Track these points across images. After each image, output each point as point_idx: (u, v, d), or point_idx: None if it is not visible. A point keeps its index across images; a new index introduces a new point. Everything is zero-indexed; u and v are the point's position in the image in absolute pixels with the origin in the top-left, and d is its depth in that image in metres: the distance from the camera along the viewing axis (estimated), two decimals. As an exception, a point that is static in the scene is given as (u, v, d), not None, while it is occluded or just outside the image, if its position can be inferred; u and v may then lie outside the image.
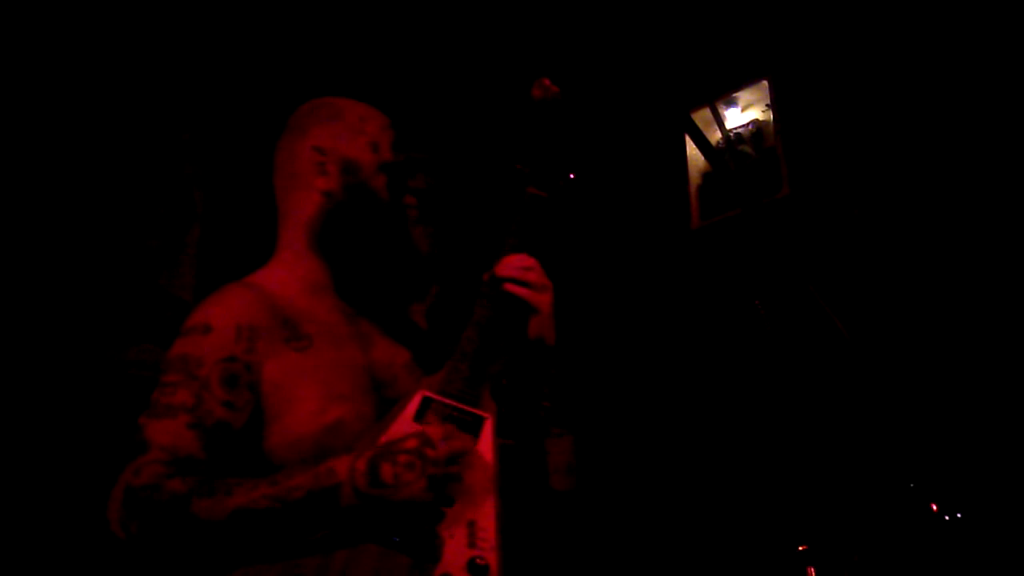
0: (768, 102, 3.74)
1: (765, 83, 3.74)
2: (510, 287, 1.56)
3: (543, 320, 1.58)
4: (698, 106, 3.78)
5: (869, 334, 3.89)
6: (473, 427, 1.44)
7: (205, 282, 3.51)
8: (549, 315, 1.59)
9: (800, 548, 2.37)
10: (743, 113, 3.84)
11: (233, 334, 1.46)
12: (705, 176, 3.78)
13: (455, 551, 1.31)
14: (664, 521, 4.17)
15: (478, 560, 1.30)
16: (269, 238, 1.74)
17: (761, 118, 3.80)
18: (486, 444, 1.43)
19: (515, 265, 1.58)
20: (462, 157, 3.46)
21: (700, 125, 3.50)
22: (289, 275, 1.64)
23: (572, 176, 1.74)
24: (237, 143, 3.60)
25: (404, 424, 1.41)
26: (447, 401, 1.45)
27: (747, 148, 3.78)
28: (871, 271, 4.07)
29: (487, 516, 1.36)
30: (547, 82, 1.78)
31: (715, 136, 3.78)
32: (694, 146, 3.96)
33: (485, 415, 1.46)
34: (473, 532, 1.33)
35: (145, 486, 1.29)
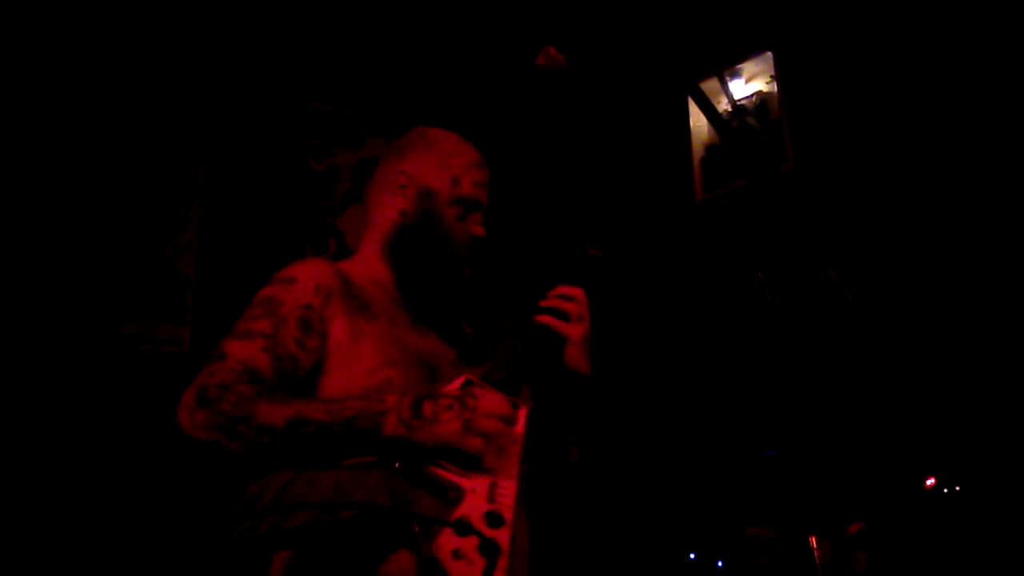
0: (772, 74, 3.72)
1: (769, 55, 3.72)
2: (543, 317, 1.70)
3: (576, 349, 1.71)
4: (703, 77, 3.76)
5: (873, 305, 3.89)
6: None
7: (208, 256, 3.53)
8: (582, 346, 1.72)
9: (801, 518, 2.40)
10: (747, 85, 3.82)
11: (313, 288, 1.63)
12: (708, 148, 3.77)
13: (475, 503, 1.40)
14: (669, 491, 4.20)
15: (495, 512, 1.40)
16: (271, 218, 1.89)
17: (765, 90, 3.77)
18: (519, 422, 1.53)
19: (559, 293, 1.74)
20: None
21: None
22: (365, 269, 1.82)
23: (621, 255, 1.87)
24: (240, 125, 3.64)
25: (450, 387, 1.52)
26: (485, 384, 1.57)
27: (751, 120, 3.76)
28: (875, 245, 4.07)
29: (509, 479, 1.46)
30: (552, 51, 1.83)
31: (719, 108, 3.76)
32: (698, 118, 3.96)
33: (522, 404, 1.56)
34: (494, 491, 1.43)
35: (217, 385, 1.42)
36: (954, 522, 5.08)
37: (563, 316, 1.70)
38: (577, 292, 1.74)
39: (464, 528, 1.36)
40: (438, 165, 1.86)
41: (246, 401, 1.39)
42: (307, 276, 1.65)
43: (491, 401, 1.46)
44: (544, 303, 1.72)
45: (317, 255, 3.76)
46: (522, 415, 1.54)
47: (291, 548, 1.39)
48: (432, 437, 1.40)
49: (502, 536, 1.37)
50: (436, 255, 1.82)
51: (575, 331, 1.70)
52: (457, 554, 1.33)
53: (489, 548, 1.35)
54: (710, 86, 3.75)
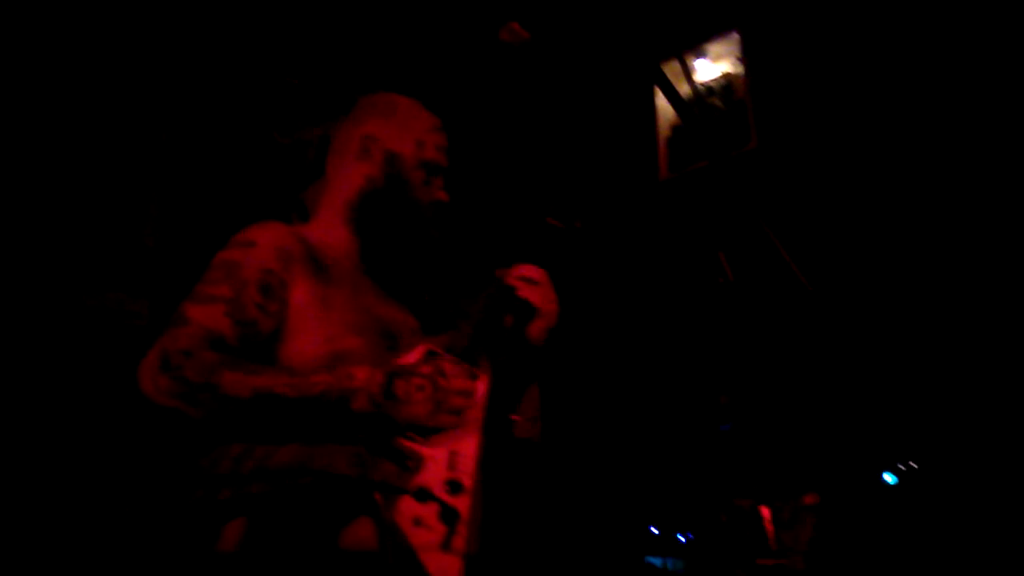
0: (739, 55, 3.74)
1: (736, 35, 3.73)
2: (510, 279, 1.69)
3: (541, 324, 1.70)
4: (668, 57, 3.77)
5: (833, 284, 3.96)
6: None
7: (170, 231, 3.49)
8: (548, 322, 1.71)
9: (756, 490, 2.46)
10: (714, 65, 3.84)
11: (273, 253, 1.61)
12: (674, 128, 3.79)
13: (435, 471, 1.42)
14: (626, 466, 4.26)
15: (455, 480, 1.42)
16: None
17: (731, 71, 3.80)
18: (479, 394, 1.55)
19: (522, 274, 1.72)
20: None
21: (670, 76, 3.50)
22: (325, 235, 1.79)
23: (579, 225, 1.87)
24: (205, 97, 3.59)
25: (413, 358, 1.51)
26: (449, 356, 1.56)
27: (716, 101, 3.78)
28: (835, 224, 4.13)
29: (468, 449, 1.47)
30: (516, 26, 1.82)
31: (685, 88, 3.78)
32: (664, 98, 3.98)
33: (481, 374, 1.57)
34: (454, 459, 1.45)
35: (180, 350, 1.41)
36: (906, 497, 5.23)
37: (531, 283, 1.69)
38: (539, 274, 1.73)
39: (424, 495, 1.38)
40: (402, 129, 1.85)
41: (209, 369, 1.38)
42: (267, 240, 1.63)
43: (461, 380, 1.47)
44: (517, 272, 1.71)
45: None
46: (482, 385, 1.55)
47: (248, 516, 1.40)
48: (403, 416, 1.41)
49: (462, 503, 1.40)
50: (401, 220, 1.81)
51: (545, 305, 1.70)
52: (418, 521, 1.36)
53: (449, 515, 1.38)
54: (676, 67, 3.76)
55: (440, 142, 1.87)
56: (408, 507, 1.37)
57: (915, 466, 5.38)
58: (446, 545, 1.36)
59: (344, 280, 1.70)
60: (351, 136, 1.86)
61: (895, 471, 5.34)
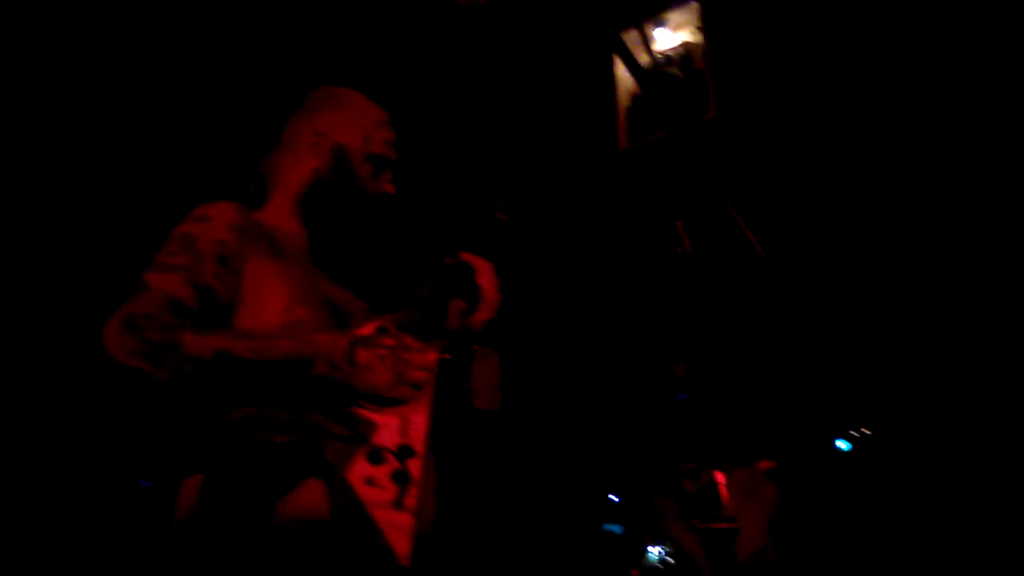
0: (698, 24, 3.72)
1: (695, 4, 3.72)
2: (464, 255, 1.76)
3: (485, 313, 1.77)
4: (628, 26, 3.74)
5: (788, 253, 4.01)
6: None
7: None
8: (490, 314, 1.77)
9: (713, 456, 2.50)
10: (674, 34, 3.82)
11: (227, 226, 1.66)
12: (634, 97, 3.77)
13: (387, 436, 1.46)
14: (585, 436, 4.30)
15: (407, 445, 1.46)
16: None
17: (691, 40, 3.78)
18: (433, 363, 1.60)
19: (473, 264, 1.77)
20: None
21: (630, 45, 3.48)
22: (277, 222, 1.83)
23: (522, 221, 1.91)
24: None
25: (369, 331, 1.54)
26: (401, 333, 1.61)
27: (675, 70, 3.77)
28: (794, 195, 4.18)
29: (420, 417, 1.52)
30: None
31: (644, 57, 3.76)
32: (623, 67, 3.97)
33: (435, 346, 1.63)
34: (406, 427, 1.49)
35: (143, 313, 1.45)
36: (862, 465, 5.36)
37: (477, 273, 1.76)
38: (485, 266, 1.79)
39: (377, 457, 1.42)
40: (349, 123, 1.90)
41: (172, 330, 1.43)
42: (221, 215, 1.67)
43: (422, 354, 1.52)
44: (457, 266, 1.77)
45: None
46: (435, 356, 1.59)
47: (205, 473, 1.42)
48: (363, 384, 1.45)
49: (414, 466, 1.44)
50: (349, 212, 1.86)
51: (489, 296, 1.75)
52: (370, 481, 1.39)
53: (401, 477, 1.42)
54: (635, 36, 3.74)
55: (388, 136, 1.93)
56: (360, 468, 1.40)
57: (868, 433, 5.52)
58: (398, 503, 1.40)
59: (295, 260, 1.75)
60: (301, 129, 1.91)
61: (849, 438, 5.47)
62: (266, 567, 1.36)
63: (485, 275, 1.77)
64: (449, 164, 3.66)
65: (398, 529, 1.37)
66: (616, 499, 6.98)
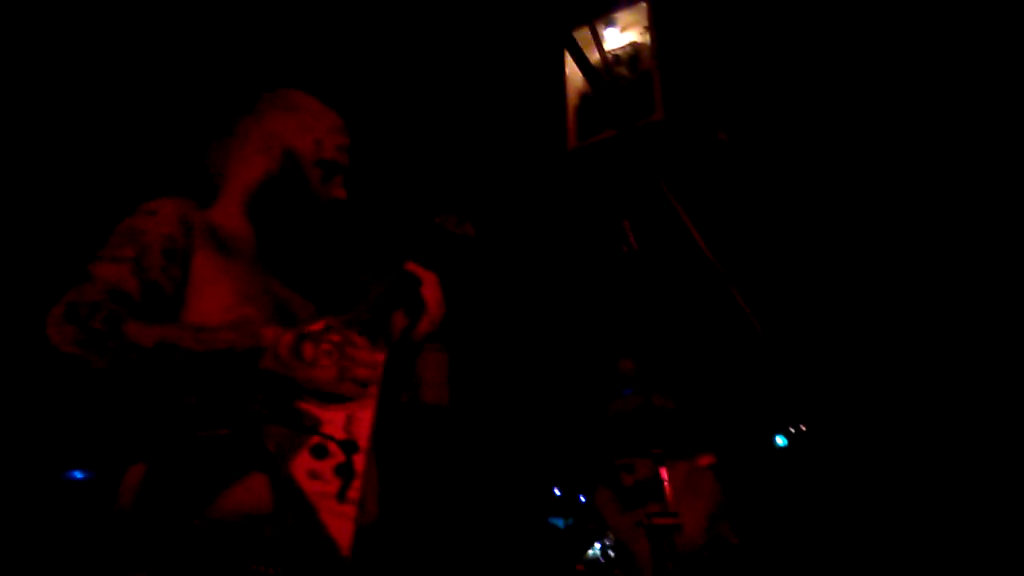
0: (647, 24, 3.77)
1: (644, 5, 3.76)
2: (408, 265, 1.79)
3: (427, 324, 1.80)
4: (580, 24, 3.77)
5: (735, 255, 4.10)
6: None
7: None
8: (432, 326, 1.80)
9: (655, 451, 2.55)
10: (622, 34, 3.86)
11: (176, 220, 1.66)
12: (583, 96, 3.80)
13: (331, 432, 1.47)
14: (530, 431, 4.34)
15: (351, 440, 1.47)
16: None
17: (639, 40, 3.82)
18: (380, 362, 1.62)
19: (420, 275, 1.80)
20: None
21: (581, 44, 3.50)
22: (226, 221, 1.82)
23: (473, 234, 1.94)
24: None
25: (318, 327, 1.56)
26: (355, 330, 1.62)
27: (624, 70, 3.81)
28: (740, 194, 4.26)
29: (365, 413, 1.52)
30: None
31: (594, 57, 3.79)
32: (573, 66, 3.99)
33: (382, 345, 1.65)
34: (350, 422, 1.50)
35: (86, 302, 1.44)
36: (799, 458, 5.50)
37: (422, 285, 1.79)
38: (431, 278, 1.81)
39: (321, 451, 1.42)
40: (301, 128, 1.90)
41: (115, 319, 1.42)
42: (168, 210, 1.67)
43: (367, 352, 1.53)
44: (403, 276, 1.80)
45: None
46: (382, 356, 1.60)
47: (146, 462, 1.42)
48: (307, 379, 1.45)
49: (358, 460, 1.45)
50: (298, 215, 1.87)
51: (432, 307, 1.78)
52: (313, 474, 1.40)
53: (345, 470, 1.43)
54: (585, 35, 3.77)
55: (340, 142, 1.93)
56: (304, 461, 1.40)
57: (804, 429, 5.67)
58: (341, 496, 1.41)
59: (244, 258, 1.75)
60: (253, 130, 1.91)
61: (786, 434, 5.62)
62: (204, 558, 1.35)
63: (429, 287, 1.79)
64: (399, 163, 3.65)
65: (341, 521, 1.37)
66: (559, 493, 7.05)
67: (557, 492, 7.13)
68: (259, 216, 1.86)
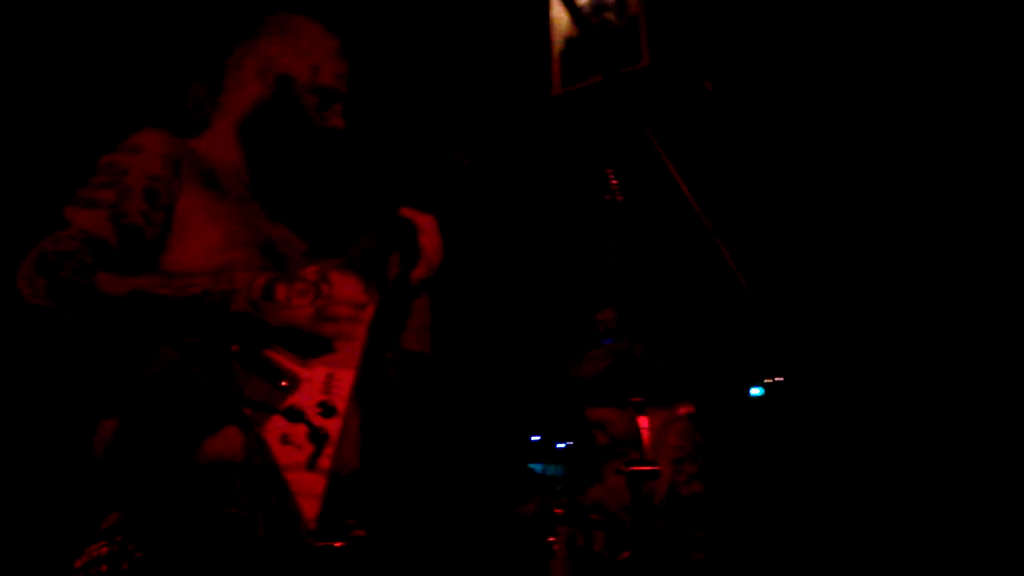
0: (635, -32, 3.68)
1: (633, -53, 3.67)
2: (403, 211, 1.73)
3: (424, 270, 1.76)
4: (565, -33, 3.67)
5: (722, 206, 4.08)
6: None
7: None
8: (429, 272, 1.77)
9: (634, 399, 2.56)
10: (609, -23, 3.77)
11: (160, 160, 1.59)
12: (568, 41, 3.73)
13: (309, 392, 1.43)
14: (510, 379, 4.36)
15: (329, 403, 1.43)
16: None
17: (627, -16, 3.74)
18: (366, 313, 1.54)
19: (417, 220, 1.75)
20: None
21: (567, -14, 3.42)
22: (216, 150, 1.77)
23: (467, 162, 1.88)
24: None
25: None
26: (337, 266, 1.55)
27: (610, 15, 3.74)
28: (725, 144, 4.23)
29: (346, 373, 1.48)
30: None
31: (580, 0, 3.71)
32: (558, 8, 3.91)
33: (370, 299, 1.57)
34: (330, 381, 1.45)
35: (58, 252, 1.40)
36: (770, 408, 5.58)
37: (420, 230, 1.74)
38: (429, 222, 1.76)
39: (295, 415, 1.39)
40: (298, 52, 1.83)
41: (87, 269, 1.38)
42: (154, 146, 1.60)
43: (345, 287, 1.46)
44: (402, 220, 1.74)
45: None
46: (369, 309, 1.55)
47: (119, 417, 1.40)
48: (282, 321, 1.40)
49: (332, 425, 1.41)
50: (293, 144, 1.80)
51: (430, 253, 1.74)
52: (285, 439, 1.37)
53: (317, 436, 1.40)
54: (573, -24, 3.68)
55: (338, 68, 1.85)
56: (278, 425, 1.37)
57: (780, 380, 5.75)
58: (311, 464, 1.39)
59: (233, 196, 1.69)
60: (249, 55, 1.85)
61: (762, 384, 5.69)
62: (177, 500, 1.35)
63: (427, 233, 1.74)
64: (389, 102, 3.58)
65: (308, 494, 1.35)
66: (538, 439, 7.13)
67: (535, 438, 7.22)
68: (252, 144, 1.80)
